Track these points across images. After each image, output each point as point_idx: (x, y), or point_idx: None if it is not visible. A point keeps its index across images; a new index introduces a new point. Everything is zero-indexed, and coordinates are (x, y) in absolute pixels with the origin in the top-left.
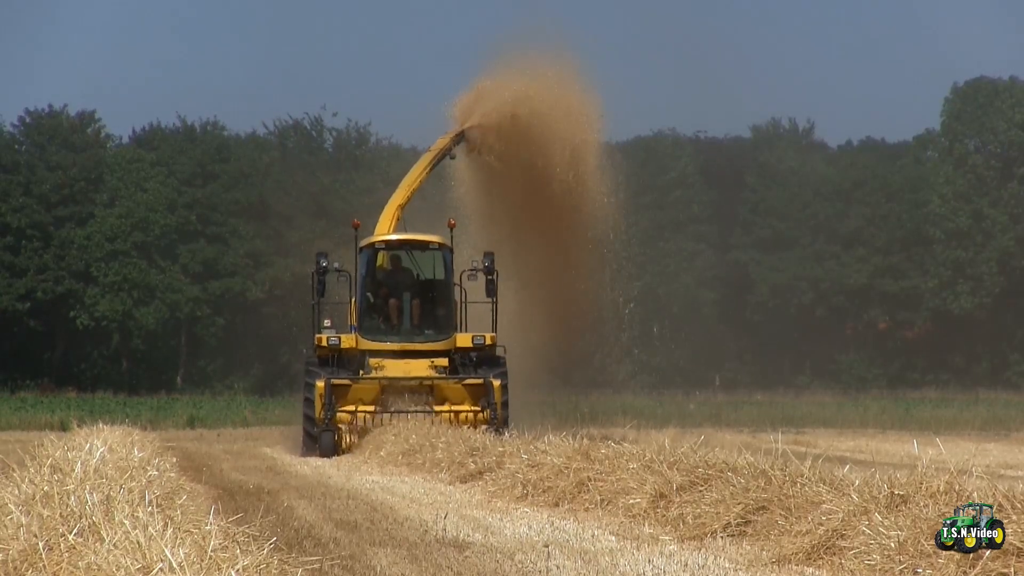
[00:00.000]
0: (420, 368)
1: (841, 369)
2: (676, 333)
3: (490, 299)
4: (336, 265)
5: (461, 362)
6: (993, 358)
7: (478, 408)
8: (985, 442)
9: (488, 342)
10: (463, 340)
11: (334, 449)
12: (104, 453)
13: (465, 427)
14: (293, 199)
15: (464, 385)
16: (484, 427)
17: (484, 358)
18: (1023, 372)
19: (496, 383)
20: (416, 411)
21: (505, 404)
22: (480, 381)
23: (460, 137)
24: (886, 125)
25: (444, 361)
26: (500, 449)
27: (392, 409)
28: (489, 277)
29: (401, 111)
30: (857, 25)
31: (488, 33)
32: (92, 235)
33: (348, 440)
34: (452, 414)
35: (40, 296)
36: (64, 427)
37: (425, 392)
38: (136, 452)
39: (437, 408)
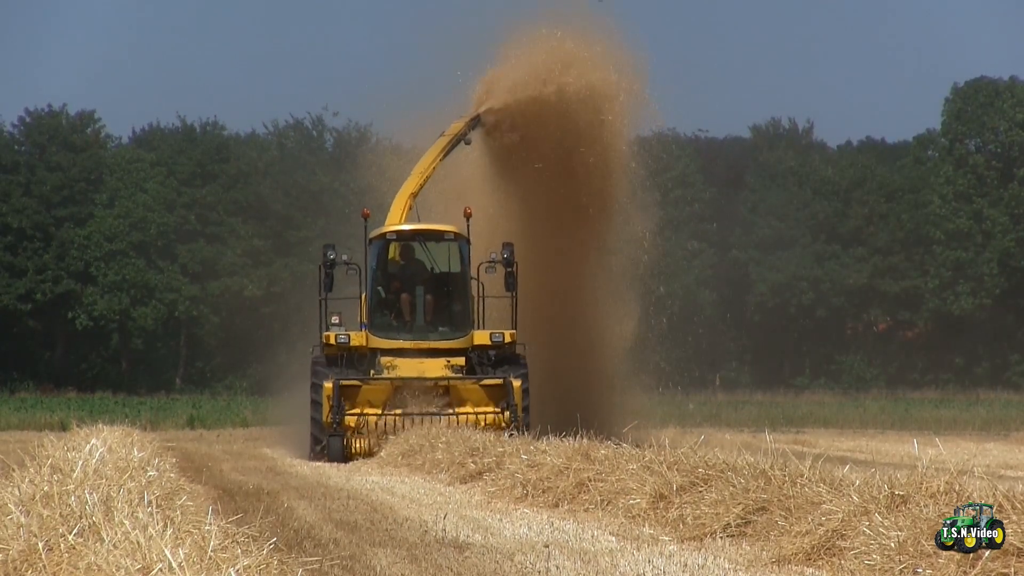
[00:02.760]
0: (435, 367)
1: (841, 369)
2: (676, 333)
3: (510, 293)
4: (345, 258)
5: (479, 361)
6: (993, 358)
7: (497, 410)
8: (985, 442)
9: (507, 340)
10: (481, 337)
11: (343, 455)
12: (104, 453)
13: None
14: (292, 199)
15: (482, 386)
16: (505, 430)
17: (503, 357)
18: (1023, 372)
19: (516, 383)
20: (430, 413)
21: (527, 406)
22: (499, 381)
23: (476, 121)
24: (886, 125)
25: (460, 360)
26: (500, 449)
27: (404, 411)
28: (509, 270)
29: (403, 109)
30: (857, 25)
31: (501, 19)
32: (91, 235)
33: (357, 445)
34: (470, 416)
35: (39, 297)
36: (64, 427)
37: (440, 393)
38: (136, 452)
39: (453, 410)
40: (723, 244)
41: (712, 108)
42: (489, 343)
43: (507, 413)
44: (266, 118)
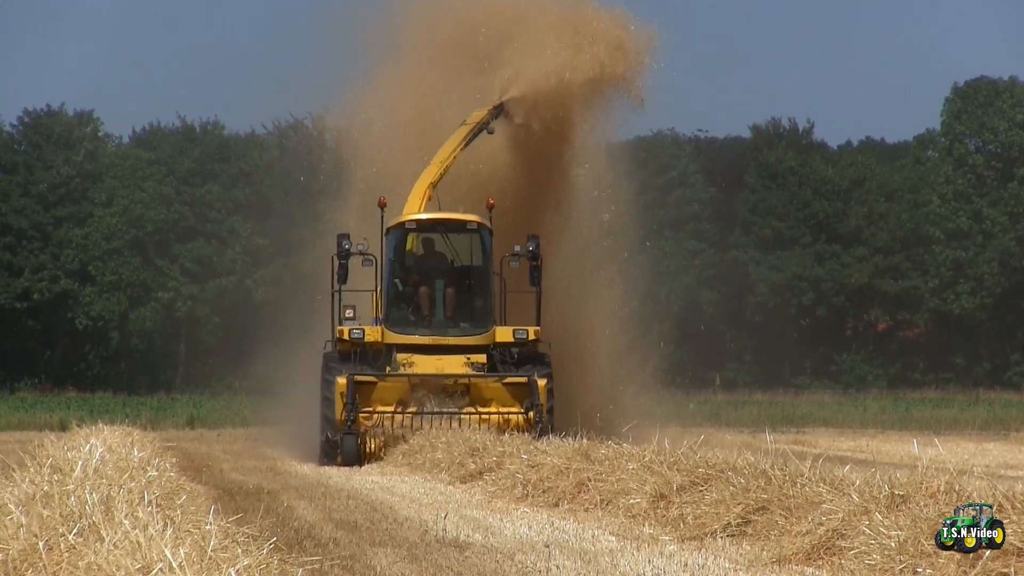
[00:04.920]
0: (454, 365)
1: (841, 369)
2: (676, 333)
3: (534, 288)
4: (360, 248)
5: (500, 359)
6: (994, 358)
7: (520, 411)
8: (985, 442)
9: (531, 337)
10: (503, 334)
11: (357, 456)
12: (104, 453)
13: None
14: (293, 197)
15: (505, 384)
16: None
17: (526, 355)
18: (1023, 372)
19: (541, 382)
20: (449, 413)
21: (551, 407)
22: (523, 380)
23: (500, 109)
24: (886, 125)
25: (482, 357)
26: (500, 449)
27: (422, 410)
28: (534, 263)
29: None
30: (857, 25)
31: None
32: (90, 235)
33: (373, 446)
34: (491, 417)
35: (36, 296)
36: (64, 427)
37: (460, 392)
38: (136, 452)
39: (471, 410)
40: (723, 244)
41: (712, 108)
42: (512, 340)
43: (532, 414)
44: (266, 118)
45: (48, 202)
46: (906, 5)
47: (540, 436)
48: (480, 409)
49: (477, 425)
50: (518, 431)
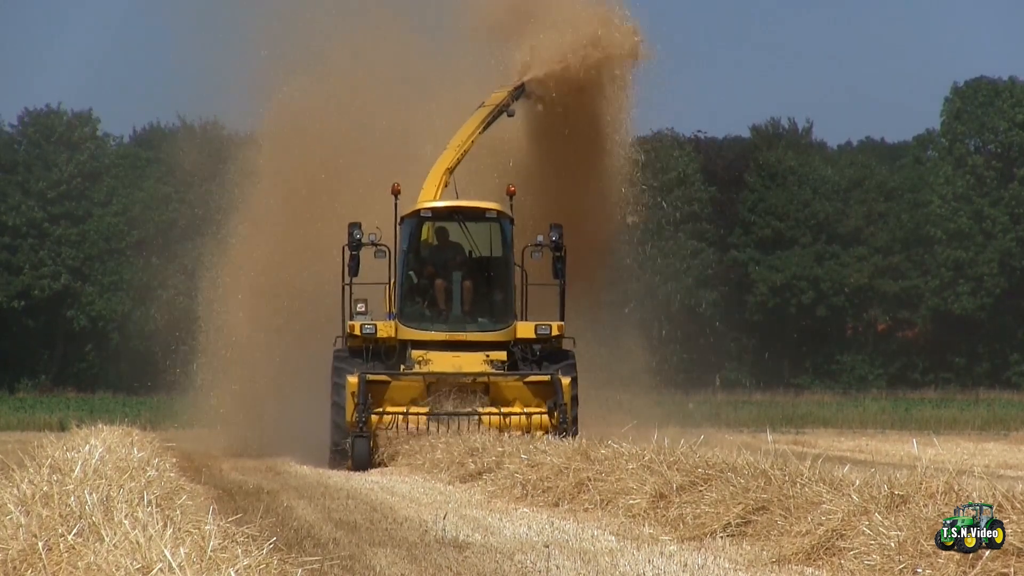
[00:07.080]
0: (473, 362)
1: (841, 369)
2: (676, 333)
3: (557, 281)
4: (372, 238)
5: (522, 356)
6: (993, 358)
7: (543, 410)
8: (985, 442)
9: (554, 332)
10: (524, 330)
11: (369, 460)
12: (103, 453)
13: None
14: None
15: (526, 383)
16: (552, 433)
17: (549, 351)
18: (1023, 372)
19: (565, 380)
20: (467, 414)
21: (576, 407)
22: (546, 378)
23: (520, 90)
24: (886, 125)
25: (502, 354)
26: (500, 449)
27: (438, 411)
28: (557, 254)
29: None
30: (857, 25)
31: None
32: (88, 233)
33: (385, 448)
34: (516, 417)
35: (36, 292)
36: (63, 427)
37: (479, 391)
38: (135, 452)
39: (487, 410)
40: (723, 244)
41: (712, 108)
42: (534, 336)
43: (555, 414)
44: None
45: (47, 200)
46: (906, 5)
47: (564, 436)
48: (503, 410)
49: (498, 427)
50: (542, 433)
